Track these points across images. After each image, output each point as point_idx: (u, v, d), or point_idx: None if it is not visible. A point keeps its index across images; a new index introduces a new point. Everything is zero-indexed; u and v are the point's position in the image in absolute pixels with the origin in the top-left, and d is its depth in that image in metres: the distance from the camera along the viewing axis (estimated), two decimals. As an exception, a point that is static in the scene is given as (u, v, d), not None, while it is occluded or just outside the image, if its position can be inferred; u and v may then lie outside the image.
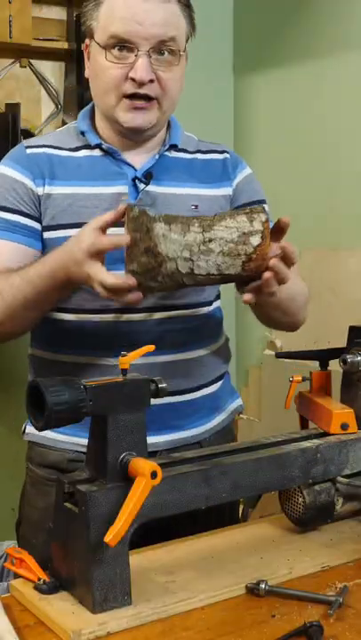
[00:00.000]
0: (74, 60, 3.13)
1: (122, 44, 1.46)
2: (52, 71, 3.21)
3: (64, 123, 3.16)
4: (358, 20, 2.90)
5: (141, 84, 1.47)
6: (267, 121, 3.35)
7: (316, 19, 3.07)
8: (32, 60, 3.16)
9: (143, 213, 1.28)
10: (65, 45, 3.13)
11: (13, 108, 3.04)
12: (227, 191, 1.64)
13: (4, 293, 1.43)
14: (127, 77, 1.47)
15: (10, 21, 2.90)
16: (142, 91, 1.47)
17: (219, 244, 1.31)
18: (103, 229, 1.33)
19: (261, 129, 3.38)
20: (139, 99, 1.48)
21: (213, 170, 1.64)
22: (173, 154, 1.61)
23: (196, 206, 1.57)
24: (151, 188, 1.55)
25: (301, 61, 3.14)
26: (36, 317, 1.49)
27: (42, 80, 3.20)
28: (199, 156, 1.65)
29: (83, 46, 1.56)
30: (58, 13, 3.17)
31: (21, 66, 3.15)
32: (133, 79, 1.46)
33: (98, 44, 1.49)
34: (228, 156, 1.68)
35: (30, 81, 3.18)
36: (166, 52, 1.48)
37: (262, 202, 1.67)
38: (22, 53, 3.11)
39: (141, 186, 1.55)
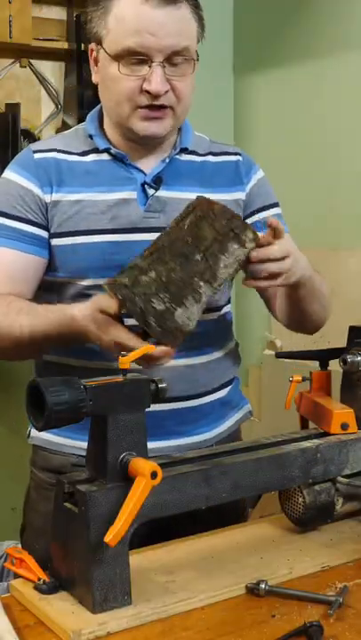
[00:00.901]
0: (74, 60, 3.13)
1: (135, 56, 1.42)
2: (52, 71, 3.22)
3: (64, 123, 3.16)
4: (358, 20, 2.90)
5: (157, 96, 1.43)
6: (267, 121, 3.35)
7: (316, 19, 3.07)
8: (32, 60, 3.17)
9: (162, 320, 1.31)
10: (65, 45, 3.13)
11: (13, 108, 3.04)
12: (239, 196, 1.61)
13: (11, 329, 1.43)
14: (141, 89, 1.43)
15: (10, 21, 2.90)
16: (158, 102, 1.44)
17: (224, 279, 1.36)
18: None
19: (261, 129, 3.37)
20: (154, 109, 1.45)
21: (225, 173, 1.61)
22: (184, 157, 1.58)
23: None
24: (161, 193, 1.53)
25: (301, 61, 3.14)
26: (43, 351, 1.53)
27: (42, 80, 3.20)
28: (210, 158, 1.61)
29: (89, 50, 1.52)
30: (58, 13, 3.17)
31: (21, 66, 3.16)
32: (148, 91, 1.43)
33: (108, 53, 1.45)
34: (240, 158, 1.64)
35: (30, 81, 3.19)
36: (180, 61, 1.44)
37: (275, 205, 1.66)
38: (22, 53, 3.11)
39: (151, 191, 1.53)
